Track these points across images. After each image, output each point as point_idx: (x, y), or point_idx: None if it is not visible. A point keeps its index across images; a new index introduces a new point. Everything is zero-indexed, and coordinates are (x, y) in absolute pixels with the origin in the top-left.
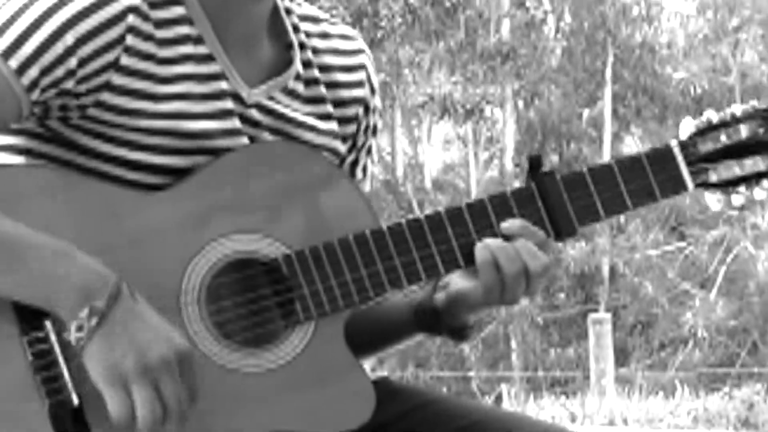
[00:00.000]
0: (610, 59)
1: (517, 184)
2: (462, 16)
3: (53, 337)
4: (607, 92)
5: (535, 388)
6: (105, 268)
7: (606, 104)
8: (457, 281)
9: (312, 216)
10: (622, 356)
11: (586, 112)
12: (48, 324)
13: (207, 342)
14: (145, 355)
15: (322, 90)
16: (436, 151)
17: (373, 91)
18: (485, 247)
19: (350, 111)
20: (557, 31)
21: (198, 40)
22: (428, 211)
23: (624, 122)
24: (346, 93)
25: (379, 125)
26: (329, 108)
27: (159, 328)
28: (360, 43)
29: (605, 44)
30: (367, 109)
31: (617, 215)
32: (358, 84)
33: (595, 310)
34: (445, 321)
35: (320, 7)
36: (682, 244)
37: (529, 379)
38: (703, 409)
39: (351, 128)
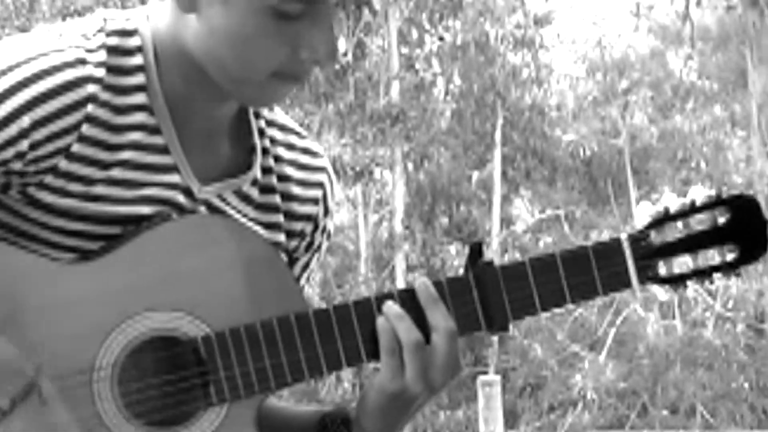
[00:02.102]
0: (500, 121)
1: (406, 247)
2: (351, 78)
3: None
4: (497, 154)
5: None
6: (23, 361)
7: (495, 166)
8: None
9: (238, 296)
10: (511, 418)
11: (475, 175)
12: None
13: (116, 421)
14: None
15: (277, 199)
16: None
17: (326, 211)
18: (384, 319)
19: (298, 226)
20: (447, 93)
21: (154, 130)
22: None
23: (513, 184)
24: (298, 207)
25: (324, 246)
26: (280, 218)
27: None
28: (323, 162)
29: (495, 106)
30: (316, 227)
31: (554, 309)
32: (312, 201)
33: (485, 372)
34: (355, 429)
35: None
36: (572, 306)
37: None
38: None
39: (294, 242)
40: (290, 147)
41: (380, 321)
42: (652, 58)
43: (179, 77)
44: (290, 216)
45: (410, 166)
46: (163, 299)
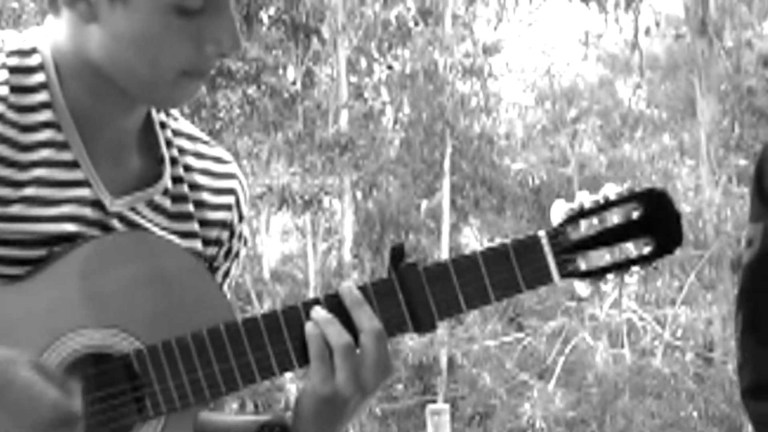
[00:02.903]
0: (449, 150)
1: (355, 275)
2: (300, 107)
3: None
4: (446, 183)
5: None
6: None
7: (444, 195)
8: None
9: (168, 309)
10: None
11: (424, 203)
12: None
13: None
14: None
15: (190, 207)
16: (275, 242)
17: (240, 217)
18: (312, 324)
19: (213, 233)
20: (395, 122)
21: (63, 146)
22: (268, 301)
23: (462, 213)
24: (211, 214)
25: (242, 252)
26: (195, 226)
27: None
28: (233, 168)
29: (443, 135)
30: (232, 234)
31: (479, 307)
32: (225, 207)
33: (434, 401)
34: None
35: None
36: (520, 335)
37: None
38: None
39: (211, 250)
40: (199, 156)
41: (309, 326)
42: (600, 86)
43: (84, 91)
44: (204, 224)
45: (359, 194)
46: (93, 317)
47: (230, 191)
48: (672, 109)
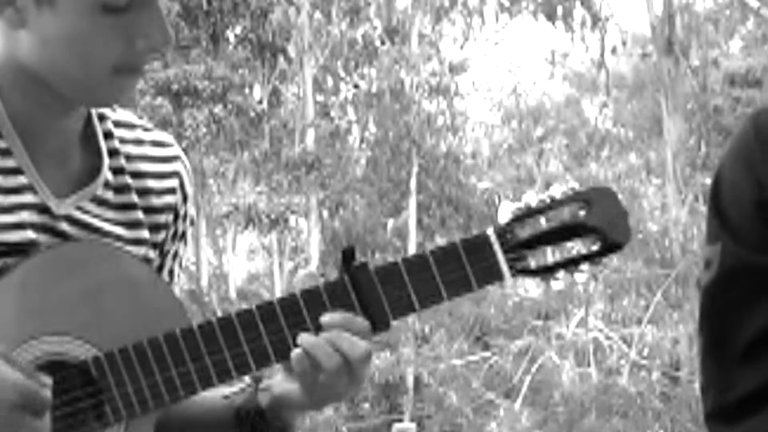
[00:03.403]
0: (415, 169)
1: (320, 282)
2: (267, 126)
3: None
4: (412, 202)
5: None
6: None
7: (411, 214)
8: (281, 384)
9: (123, 316)
10: None
11: (390, 222)
12: None
13: None
14: None
15: (134, 197)
16: (241, 261)
17: (185, 198)
18: (301, 352)
19: (161, 218)
20: (362, 141)
21: (5, 153)
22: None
23: (429, 232)
24: (157, 200)
25: (189, 232)
26: (140, 215)
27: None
28: (175, 150)
29: (410, 154)
30: (176, 215)
31: (432, 306)
32: (170, 191)
33: (400, 420)
34: (270, 422)
35: None
36: (487, 354)
37: None
38: None
39: (161, 235)
40: (139, 142)
41: (297, 351)
42: (567, 105)
43: (22, 97)
44: (151, 210)
45: (325, 213)
46: (50, 325)
47: (174, 174)
48: (638, 128)
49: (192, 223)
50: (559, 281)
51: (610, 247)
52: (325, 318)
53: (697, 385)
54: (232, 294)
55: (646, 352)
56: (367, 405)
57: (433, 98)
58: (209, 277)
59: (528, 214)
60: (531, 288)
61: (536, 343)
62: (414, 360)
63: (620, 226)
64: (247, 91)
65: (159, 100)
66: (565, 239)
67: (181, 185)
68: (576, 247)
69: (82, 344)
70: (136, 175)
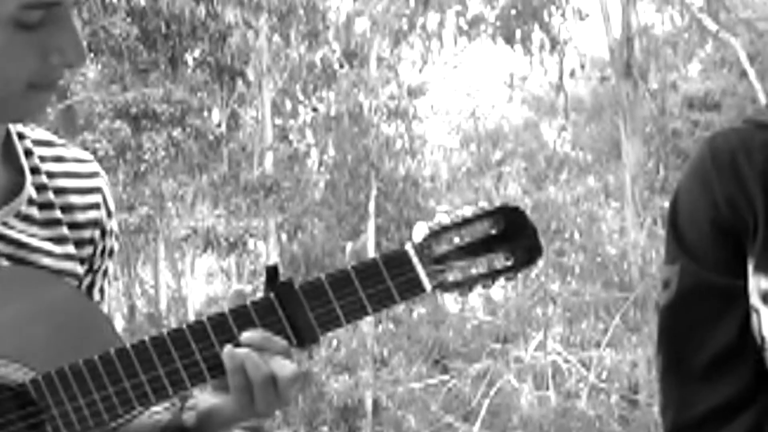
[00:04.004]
0: (374, 192)
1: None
2: (225, 149)
3: None
4: (371, 225)
5: None
6: None
7: (369, 237)
8: (207, 399)
9: (57, 338)
10: None
11: (349, 246)
12: None
13: None
14: None
15: (58, 213)
16: (200, 285)
17: (109, 213)
18: (232, 354)
19: (86, 234)
20: (320, 164)
21: None
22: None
23: None
24: (81, 216)
25: (116, 248)
26: (65, 231)
27: None
28: (95, 166)
29: (368, 177)
30: (103, 232)
31: (359, 320)
32: (94, 206)
33: None
34: None
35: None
36: (445, 377)
37: None
38: None
39: (87, 251)
40: (60, 159)
41: (228, 361)
42: (525, 129)
43: None
44: (76, 226)
45: (284, 236)
46: None
47: (97, 190)
48: (597, 151)
49: (117, 238)
50: (478, 295)
51: (523, 262)
52: (246, 334)
53: (656, 409)
54: (191, 317)
55: (604, 375)
56: (325, 428)
57: (391, 121)
58: (168, 301)
59: (442, 231)
60: (447, 298)
61: (495, 366)
62: (373, 383)
63: (531, 241)
64: (205, 114)
65: (117, 123)
66: (480, 254)
67: (104, 200)
68: (490, 262)
69: (19, 367)
70: (59, 191)
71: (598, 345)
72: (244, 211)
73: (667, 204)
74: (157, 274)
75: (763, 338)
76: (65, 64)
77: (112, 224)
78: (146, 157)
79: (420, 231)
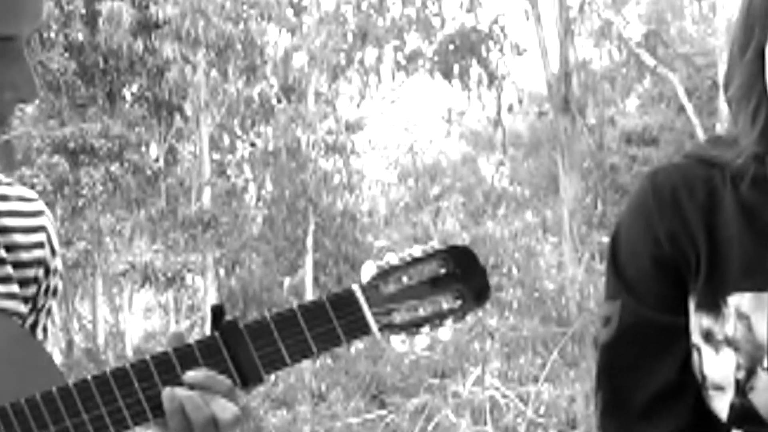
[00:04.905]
0: (311, 227)
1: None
2: (163, 184)
3: None
4: (308, 260)
5: None
6: None
7: (307, 272)
8: None
9: (0, 377)
10: None
11: (287, 281)
12: None
13: None
14: None
15: (2, 252)
16: (138, 320)
17: (53, 252)
18: (172, 395)
19: (30, 273)
20: (258, 199)
21: None
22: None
23: (325, 290)
24: (25, 255)
25: (60, 287)
26: (9, 270)
27: None
28: (39, 205)
29: (306, 212)
30: (47, 271)
31: (303, 360)
32: (38, 245)
33: None
34: None
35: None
36: (383, 412)
37: None
38: None
39: (31, 290)
40: (4, 198)
41: (168, 403)
42: (463, 163)
43: None
44: (20, 265)
45: (222, 271)
46: None
47: (41, 228)
48: (535, 186)
49: (61, 277)
50: (424, 336)
51: (473, 303)
52: (190, 373)
53: None
54: (129, 352)
55: (542, 410)
56: None
57: (329, 156)
58: (106, 336)
59: (390, 271)
60: (394, 340)
61: (433, 401)
62: (311, 418)
63: (480, 282)
64: (143, 149)
65: (56, 158)
66: (428, 296)
67: (49, 239)
68: (438, 303)
69: None
70: (3, 230)
71: (535, 380)
72: (182, 246)
73: (605, 239)
74: (95, 309)
75: (704, 376)
76: (17, 100)
77: (57, 263)
78: (84, 192)
79: (368, 270)
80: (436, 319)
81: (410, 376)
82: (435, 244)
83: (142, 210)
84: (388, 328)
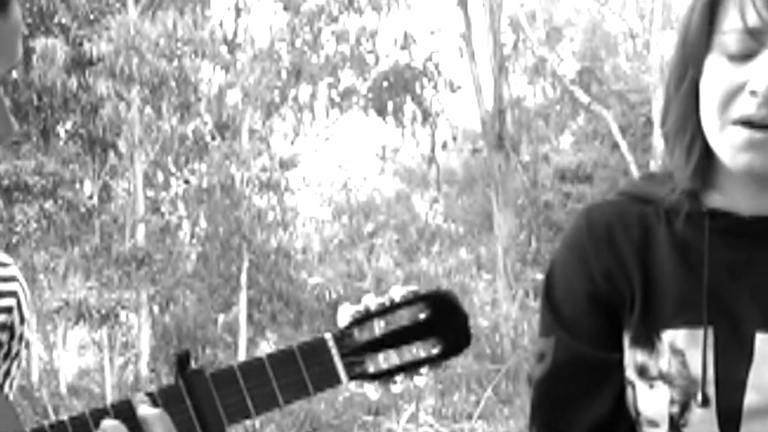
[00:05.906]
0: (245, 264)
1: (153, 388)
2: (97, 221)
3: None
4: (242, 297)
5: None
6: None
7: (241, 309)
8: None
9: None
10: None
11: (221, 318)
12: None
13: None
14: None
15: None
16: (72, 357)
17: (22, 319)
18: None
19: None
20: (192, 236)
21: None
22: (65, 415)
23: (259, 327)
24: None
25: (23, 353)
26: None
27: None
28: (13, 270)
29: (240, 249)
30: (12, 336)
31: (269, 411)
32: (6, 310)
33: None
34: None
35: None
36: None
37: None
38: None
39: None
40: None
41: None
42: (397, 201)
43: None
44: None
45: (156, 308)
46: None
47: (12, 294)
48: (469, 224)
49: (27, 345)
50: (398, 384)
51: (451, 350)
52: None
53: None
54: (63, 389)
55: None
56: None
57: (263, 194)
58: (40, 373)
59: (367, 317)
60: (368, 388)
61: None
62: None
63: (460, 329)
64: (77, 186)
65: None
66: (405, 343)
67: (18, 305)
68: (416, 350)
69: None
70: None
71: (469, 417)
72: (116, 283)
73: (539, 276)
74: (29, 347)
75: (638, 412)
76: None
77: (23, 329)
78: (18, 229)
79: (344, 315)
80: (412, 367)
81: (344, 413)
82: (415, 288)
83: (76, 247)
84: (360, 377)
